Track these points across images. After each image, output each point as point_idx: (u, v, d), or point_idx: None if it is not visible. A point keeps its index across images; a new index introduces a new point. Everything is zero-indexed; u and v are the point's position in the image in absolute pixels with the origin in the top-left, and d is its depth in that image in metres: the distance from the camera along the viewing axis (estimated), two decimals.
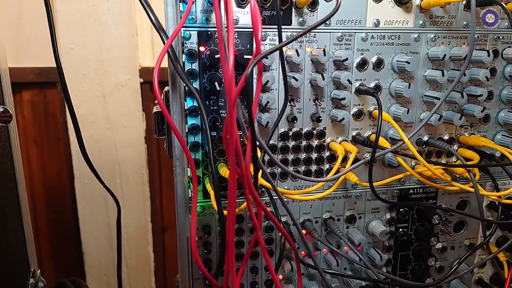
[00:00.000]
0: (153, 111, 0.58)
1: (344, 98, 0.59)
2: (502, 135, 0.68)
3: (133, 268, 1.43)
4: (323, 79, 0.58)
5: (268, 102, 0.57)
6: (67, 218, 1.36)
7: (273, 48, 0.43)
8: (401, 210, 0.69)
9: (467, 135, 0.68)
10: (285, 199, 0.56)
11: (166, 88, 0.57)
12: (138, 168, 1.34)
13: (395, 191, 0.68)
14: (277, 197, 0.58)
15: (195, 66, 0.57)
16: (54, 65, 0.70)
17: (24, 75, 1.22)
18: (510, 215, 0.66)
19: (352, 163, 0.59)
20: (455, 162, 0.68)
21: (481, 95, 0.63)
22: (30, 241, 0.72)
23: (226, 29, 0.45)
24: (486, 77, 0.62)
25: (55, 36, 0.73)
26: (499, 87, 0.67)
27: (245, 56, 0.55)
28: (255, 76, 0.58)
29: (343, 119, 0.60)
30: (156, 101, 0.63)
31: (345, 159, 0.62)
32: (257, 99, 0.44)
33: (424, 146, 0.66)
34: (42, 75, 1.24)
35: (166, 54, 0.51)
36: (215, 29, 0.56)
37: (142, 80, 1.29)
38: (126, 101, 1.28)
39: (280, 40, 0.53)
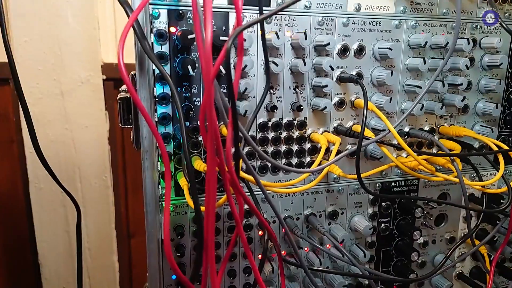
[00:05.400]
0: (118, 97, 0.52)
1: (326, 86, 0.56)
2: (481, 125, 0.67)
3: (96, 279, 1.33)
4: (305, 64, 0.54)
5: (246, 88, 0.53)
6: (22, 227, 1.25)
7: (254, 20, 0.38)
8: (383, 204, 0.66)
9: (447, 126, 0.66)
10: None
11: (132, 72, 0.51)
12: (100, 171, 1.26)
13: (377, 185, 0.66)
14: (259, 192, 0.54)
15: (165, 48, 0.52)
16: (6, 59, 0.64)
17: None
18: (492, 207, 0.65)
19: (336, 155, 0.56)
20: (436, 153, 0.66)
21: (461, 84, 0.62)
22: None
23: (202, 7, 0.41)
24: (466, 65, 0.61)
25: (5, 28, 0.66)
26: (477, 77, 0.66)
27: (221, 38, 0.51)
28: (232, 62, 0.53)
29: (325, 107, 0.57)
30: (122, 88, 0.57)
31: (327, 151, 0.59)
32: (239, 73, 0.40)
33: (405, 137, 0.64)
34: None
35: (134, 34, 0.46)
36: (187, 8, 0.51)
37: (104, 77, 1.21)
38: (87, 99, 1.20)
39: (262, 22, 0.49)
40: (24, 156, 1.19)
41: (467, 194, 0.70)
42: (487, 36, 0.65)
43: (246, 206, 0.59)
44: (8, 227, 1.25)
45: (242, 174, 0.51)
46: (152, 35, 0.50)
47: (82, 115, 1.20)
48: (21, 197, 1.23)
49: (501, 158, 0.59)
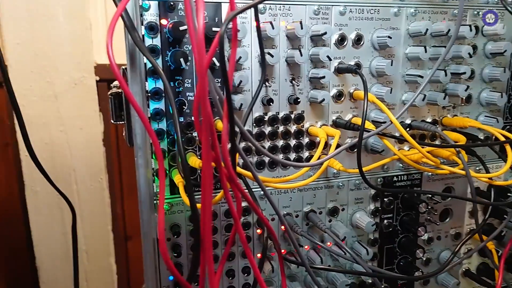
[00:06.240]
0: (109, 93, 0.50)
1: (324, 77, 0.54)
2: (485, 116, 0.65)
3: (94, 281, 1.31)
4: (301, 55, 0.52)
5: (241, 81, 0.51)
6: (18, 230, 1.22)
7: (248, 5, 0.36)
8: (385, 199, 0.64)
9: (450, 117, 0.64)
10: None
11: (123, 67, 0.49)
12: (96, 173, 1.23)
13: (379, 179, 0.64)
14: (257, 188, 0.52)
15: (156, 41, 0.50)
16: None
17: None
18: (499, 201, 0.63)
19: (335, 149, 0.54)
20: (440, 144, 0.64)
21: (464, 73, 0.60)
22: None
23: None
24: (469, 53, 0.59)
25: None
26: (480, 65, 0.64)
27: (213, 29, 0.49)
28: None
29: (323, 100, 0.55)
30: (113, 84, 0.55)
31: (326, 145, 0.57)
32: (234, 63, 0.38)
33: (407, 129, 0.62)
34: None
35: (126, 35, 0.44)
36: None
37: (98, 78, 1.19)
38: (81, 101, 1.18)
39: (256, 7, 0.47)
40: (19, 160, 1.17)
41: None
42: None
43: (243, 204, 0.57)
44: (5, 231, 1.23)
45: (239, 169, 0.49)
46: (143, 27, 0.49)
47: (76, 117, 1.18)
48: (17, 200, 1.21)
49: (508, 149, 0.57)
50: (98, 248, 1.28)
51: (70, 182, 1.20)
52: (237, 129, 0.42)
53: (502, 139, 0.56)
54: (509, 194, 0.65)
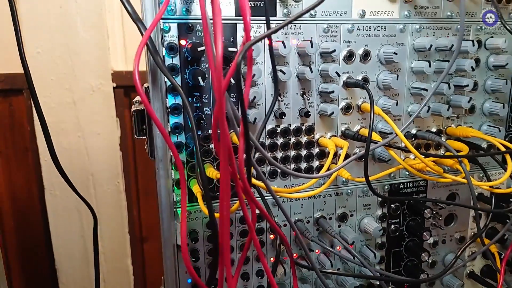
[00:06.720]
0: (132, 110, 0.54)
1: (333, 91, 0.57)
2: (488, 125, 0.68)
3: (111, 282, 1.36)
4: (311, 71, 0.56)
5: (255, 97, 0.55)
6: (38, 233, 1.28)
7: (263, 35, 0.40)
8: (392, 205, 0.67)
9: (454, 127, 0.67)
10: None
11: (145, 85, 0.53)
12: (113, 177, 1.28)
13: (386, 187, 0.67)
14: (269, 197, 0.55)
15: (176, 60, 0.53)
16: (19, 71, 0.66)
17: None
18: (501, 206, 0.65)
19: (344, 159, 0.57)
20: (444, 154, 0.67)
21: (467, 86, 0.62)
22: None
23: (211, 19, 0.42)
24: (472, 67, 0.61)
25: (21, 40, 0.68)
26: (483, 77, 0.67)
27: (230, 49, 0.52)
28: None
29: (332, 113, 0.58)
30: (134, 100, 0.59)
31: (335, 155, 0.60)
32: (249, 86, 0.41)
33: (413, 139, 0.65)
34: (7, 82, 1.16)
35: (145, 47, 0.48)
36: (196, 21, 0.53)
37: (115, 85, 1.23)
38: (99, 107, 1.22)
39: (268, 29, 0.50)
40: (39, 164, 1.21)
41: (477, 194, 0.71)
42: (492, 37, 0.66)
43: (257, 211, 0.60)
44: (25, 233, 1.28)
45: (254, 181, 0.52)
46: (163, 48, 0.52)
47: (94, 123, 1.23)
48: (37, 204, 1.26)
49: (508, 158, 0.60)
50: (115, 250, 1.33)
51: (88, 186, 1.25)
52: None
53: (503, 149, 0.59)
54: (511, 199, 0.68)
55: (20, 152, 1.23)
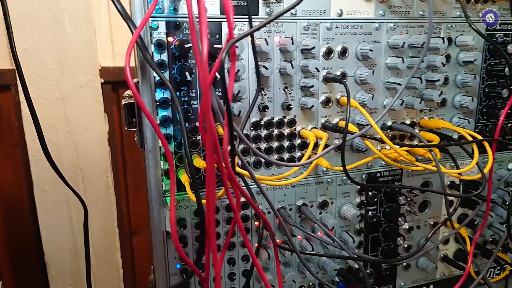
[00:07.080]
0: (122, 103, 0.57)
1: (312, 86, 0.61)
2: (459, 117, 0.72)
3: (101, 276, 1.38)
4: (292, 67, 0.59)
5: (239, 91, 0.58)
6: (27, 228, 1.29)
7: (245, 32, 0.43)
8: (369, 193, 0.71)
9: (427, 119, 0.71)
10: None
11: (135, 80, 0.56)
12: (102, 172, 1.30)
13: (364, 175, 0.71)
14: (254, 186, 0.58)
15: (164, 56, 0.56)
16: (7, 67, 0.67)
17: None
18: (470, 192, 0.70)
19: (324, 149, 0.61)
20: (417, 144, 0.71)
21: (438, 80, 0.67)
22: None
23: (197, 18, 0.45)
24: (442, 63, 0.66)
25: (12, 37, 0.70)
26: (454, 72, 0.71)
27: (215, 46, 0.56)
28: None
29: (312, 106, 0.62)
30: (124, 94, 0.62)
31: (315, 145, 0.64)
32: (233, 80, 0.44)
33: (388, 130, 0.69)
34: None
35: (135, 45, 0.51)
36: (183, 19, 0.56)
37: (102, 81, 1.25)
38: (87, 103, 1.24)
39: (251, 27, 0.54)
40: (27, 160, 1.23)
41: (449, 182, 0.76)
42: (461, 35, 0.70)
43: (242, 199, 0.64)
44: (15, 228, 1.29)
45: (238, 169, 0.56)
46: (152, 45, 0.55)
47: (83, 118, 1.24)
48: (26, 199, 1.27)
49: (475, 147, 0.64)
50: (104, 244, 1.35)
51: (77, 181, 1.27)
52: (236, 134, 0.49)
53: (470, 139, 0.64)
54: (480, 186, 0.73)
55: (9, 148, 1.24)
